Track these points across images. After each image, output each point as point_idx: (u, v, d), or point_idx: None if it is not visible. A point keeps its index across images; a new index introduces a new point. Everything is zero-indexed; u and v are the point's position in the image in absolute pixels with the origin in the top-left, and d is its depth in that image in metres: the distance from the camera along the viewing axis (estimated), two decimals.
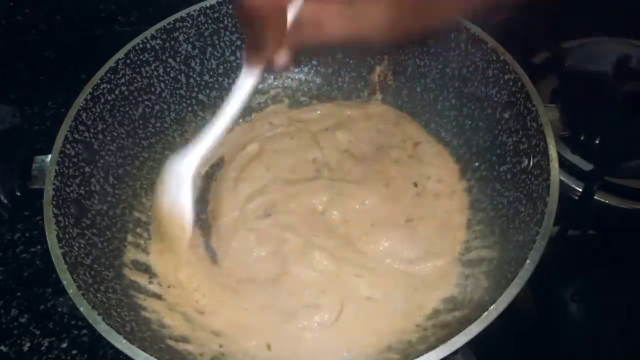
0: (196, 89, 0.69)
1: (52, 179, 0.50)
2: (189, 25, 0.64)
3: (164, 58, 0.64)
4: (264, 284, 0.56)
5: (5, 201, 0.55)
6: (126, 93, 0.61)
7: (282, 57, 0.39)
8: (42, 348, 0.58)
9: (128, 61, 0.60)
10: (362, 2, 0.32)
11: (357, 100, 0.71)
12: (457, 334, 0.40)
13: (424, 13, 0.32)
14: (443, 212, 0.60)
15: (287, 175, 0.62)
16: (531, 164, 0.51)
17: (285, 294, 0.55)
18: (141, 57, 0.62)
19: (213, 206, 0.62)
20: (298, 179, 0.62)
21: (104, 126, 0.58)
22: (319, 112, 0.70)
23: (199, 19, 0.65)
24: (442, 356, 0.39)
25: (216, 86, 0.70)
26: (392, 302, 0.53)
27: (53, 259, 0.46)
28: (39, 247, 0.66)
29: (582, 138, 0.61)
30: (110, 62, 0.59)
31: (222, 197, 0.62)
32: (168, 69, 0.65)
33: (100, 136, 0.58)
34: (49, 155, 0.52)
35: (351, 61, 0.71)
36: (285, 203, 0.60)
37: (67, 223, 0.50)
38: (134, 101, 0.62)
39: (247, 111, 0.72)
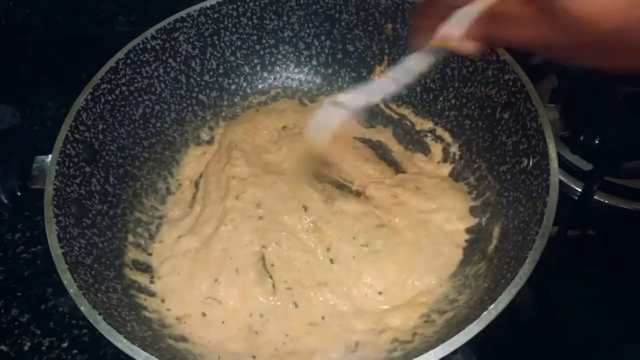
0: (196, 89, 0.69)
1: (53, 179, 0.50)
2: (189, 25, 0.65)
3: (164, 58, 0.64)
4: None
5: (5, 201, 0.55)
6: (126, 93, 0.61)
7: (466, 44, 0.38)
8: (43, 348, 0.58)
9: (128, 61, 0.60)
10: (562, 11, 0.30)
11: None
12: (457, 334, 0.40)
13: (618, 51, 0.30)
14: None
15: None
16: (531, 164, 0.51)
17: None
18: (141, 57, 0.62)
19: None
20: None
21: (104, 126, 0.58)
22: None
23: (199, 19, 0.65)
24: (442, 356, 0.39)
25: (216, 86, 0.70)
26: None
27: (54, 259, 0.46)
28: (39, 247, 0.66)
29: (582, 138, 0.61)
30: (111, 62, 0.59)
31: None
32: (168, 69, 0.65)
33: (100, 136, 0.58)
34: (50, 155, 0.52)
35: (351, 61, 0.71)
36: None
37: (67, 223, 0.50)
38: (134, 101, 0.62)
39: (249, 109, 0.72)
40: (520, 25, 0.33)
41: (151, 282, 0.56)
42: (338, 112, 0.49)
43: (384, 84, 0.47)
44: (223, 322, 0.54)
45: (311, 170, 0.63)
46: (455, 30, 0.38)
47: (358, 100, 0.48)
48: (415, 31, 0.43)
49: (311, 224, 0.58)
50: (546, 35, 0.32)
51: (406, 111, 0.69)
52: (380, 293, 0.54)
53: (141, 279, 0.56)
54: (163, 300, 0.55)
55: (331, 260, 0.56)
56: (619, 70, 0.31)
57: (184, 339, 0.52)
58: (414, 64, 0.44)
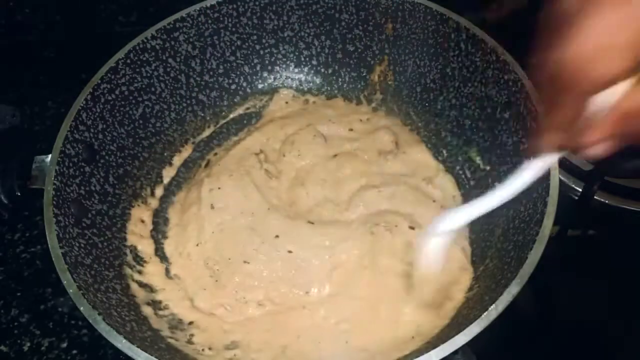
0: (196, 89, 0.69)
1: (53, 179, 0.50)
2: (189, 25, 0.64)
3: (164, 58, 0.64)
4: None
5: (5, 201, 0.55)
6: (126, 93, 0.61)
7: (598, 146, 0.32)
8: (42, 348, 0.58)
9: (128, 61, 0.60)
10: None
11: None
12: (457, 334, 0.40)
13: None
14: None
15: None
16: None
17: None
18: (141, 57, 0.62)
19: None
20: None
21: (104, 126, 0.58)
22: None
23: (199, 19, 0.65)
24: (442, 356, 0.39)
25: (216, 86, 0.70)
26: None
27: (53, 259, 0.46)
28: (39, 247, 0.66)
29: None
30: (111, 62, 0.59)
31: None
32: (168, 69, 0.65)
33: (100, 136, 0.58)
34: (49, 155, 0.52)
35: (351, 61, 0.71)
36: None
37: (67, 223, 0.50)
38: (134, 101, 0.62)
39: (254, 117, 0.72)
40: None
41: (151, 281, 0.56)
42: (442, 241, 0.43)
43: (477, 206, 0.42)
44: (223, 322, 0.54)
45: None
46: (596, 135, 0.31)
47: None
48: (538, 133, 0.35)
49: None
50: None
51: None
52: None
53: (141, 278, 0.56)
54: (162, 300, 0.55)
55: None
56: None
57: (184, 338, 0.52)
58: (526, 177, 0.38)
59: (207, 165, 0.67)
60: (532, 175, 0.39)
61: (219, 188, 0.61)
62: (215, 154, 0.68)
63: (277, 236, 0.57)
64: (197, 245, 0.58)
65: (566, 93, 0.30)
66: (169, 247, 0.60)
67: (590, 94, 0.29)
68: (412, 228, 0.56)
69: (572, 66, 0.28)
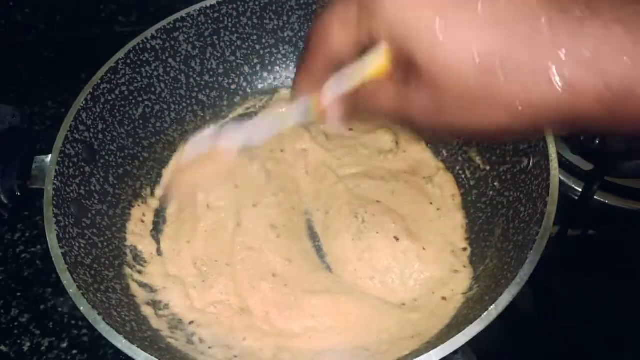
0: (196, 89, 0.69)
1: (52, 179, 0.50)
2: (189, 25, 0.64)
3: (164, 58, 0.64)
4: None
5: (5, 201, 0.55)
6: (126, 93, 0.61)
7: (334, 112, 0.37)
8: (42, 348, 0.58)
9: (128, 61, 0.60)
10: (415, 86, 0.31)
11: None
12: (457, 334, 0.40)
13: (467, 114, 0.30)
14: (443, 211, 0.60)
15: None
16: (531, 164, 0.51)
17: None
18: (141, 57, 0.62)
19: None
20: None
21: (104, 126, 0.58)
22: None
23: (199, 19, 0.65)
24: (442, 356, 0.39)
25: (216, 86, 0.70)
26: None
27: (53, 259, 0.46)
28: (39, 247, 0.66)
29: (582, 138, 0.61)
30: (111, 62, 0.59)
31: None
32: (168, 69, 0.65)
33: (100, 136, 0.58)
34: (49, 155, 0.52)
35: None
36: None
37: (67, 223, 0.50)
38: (134, 101, 0.62)
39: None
40: (384, 94, 0.33)
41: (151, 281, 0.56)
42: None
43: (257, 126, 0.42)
44: (223, 322, 0.54)
45: None
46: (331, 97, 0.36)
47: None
48: (295, 84, 0.40)
49: None
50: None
51: None
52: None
53: (141, 278, 0.56)
54: (162, 300, 0.55)
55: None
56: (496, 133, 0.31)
57: (184, 338, 0.52)
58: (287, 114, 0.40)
59: None
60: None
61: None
62: None
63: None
64: (188, 242, 0.59)
65: (308, 53, 0.38)
66: (164, 244, 0.60)
67: (325, 58, 0.36)
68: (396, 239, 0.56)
69: (312, 33, 0.37)
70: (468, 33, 0.29)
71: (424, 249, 0.56)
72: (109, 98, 0.59)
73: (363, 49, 0.34)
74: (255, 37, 0.69)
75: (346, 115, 0.36)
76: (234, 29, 0.68)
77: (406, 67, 0.31)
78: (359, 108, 0.36)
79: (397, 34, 0.31)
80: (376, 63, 0.33)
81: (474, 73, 0.29)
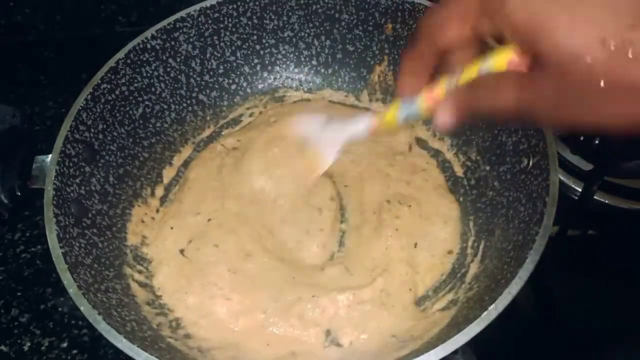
0: (196, 89, 0.69)
1: (53, 178, 0.50)
2: (189, 25, 0.64)
3: (164, 58, 0.64)
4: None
5: (5, 201, 0.55)
6: (126, 93, 0.61)
7: (444, 115, 0.36)
8: (42, 348, 0.58)
9: (128, 61, 0.60)
10: (540, 78, 0.31)
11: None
12: (457, 334, 0.40)
13: (595, 105, 0.30)
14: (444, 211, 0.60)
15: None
16: (531, 164, 0.51)
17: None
18: (141, 57, 0.62)
19: None
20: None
21: (104, 126, 0.58)
22: None
23: (199, 19, 0.65)
24: (442, 356, 0.39)
25: (216, 86, 0.70)
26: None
27: (53, 259, 0.46)
28: (39, 247, 0.66)
29: (582, 138, 0.61)
30: (111, 62, 0.59)
31: None
32: (168, 69, 0.65)
33: (100, 136, 0.58)
34: (49, 155, 0.52)
35: (351, 61, 0.71)
36: None
37: (67, 223, 0.50)
38: (134, 101, 0.62)
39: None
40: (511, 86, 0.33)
41: (151, 281, 0.56)
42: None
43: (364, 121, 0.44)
44: (223, 322, 0.54)
45: None
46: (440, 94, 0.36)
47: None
48: (400, 77, 0.40)
49: None
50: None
51: None
52: None
53: (141, 278, 0.56)
54: (162, 300, 0.55)
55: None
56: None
57: (184, 338, 0.52)
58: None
59: None
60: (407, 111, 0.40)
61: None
62: None
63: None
64: (190, 242, 0.59)
65: (419, 45, 0.38)
66: (164, 244, 0.60)
67: (437, 51, 0.37)
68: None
69: (426, 26, 0.38)
70: (595, 20, 0.29)
71: (422, 249, 0.56)
72: (109, 98, 0.59)
73: (475, 44, 0.36)
74: (255, 37, 0.69)
75: (460, 110, 0.36)
76: (234, 29, 0.68)
77: (530, 59, 0.32)
78: (475, 103, 0.35)
79: (523, 27, 0.31)
80: (501, 57, 0.34)
81: (603, 58, 0.29)
